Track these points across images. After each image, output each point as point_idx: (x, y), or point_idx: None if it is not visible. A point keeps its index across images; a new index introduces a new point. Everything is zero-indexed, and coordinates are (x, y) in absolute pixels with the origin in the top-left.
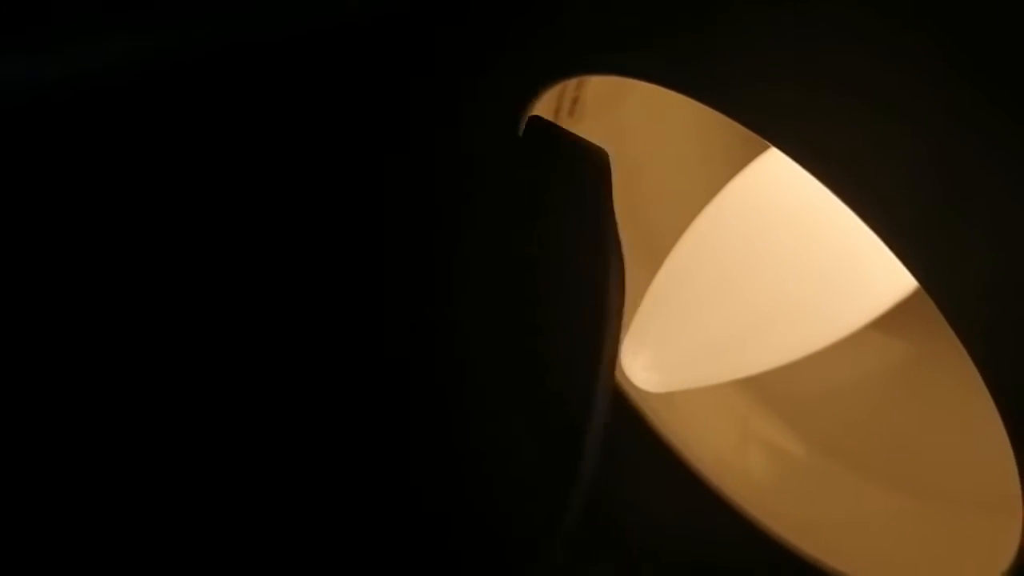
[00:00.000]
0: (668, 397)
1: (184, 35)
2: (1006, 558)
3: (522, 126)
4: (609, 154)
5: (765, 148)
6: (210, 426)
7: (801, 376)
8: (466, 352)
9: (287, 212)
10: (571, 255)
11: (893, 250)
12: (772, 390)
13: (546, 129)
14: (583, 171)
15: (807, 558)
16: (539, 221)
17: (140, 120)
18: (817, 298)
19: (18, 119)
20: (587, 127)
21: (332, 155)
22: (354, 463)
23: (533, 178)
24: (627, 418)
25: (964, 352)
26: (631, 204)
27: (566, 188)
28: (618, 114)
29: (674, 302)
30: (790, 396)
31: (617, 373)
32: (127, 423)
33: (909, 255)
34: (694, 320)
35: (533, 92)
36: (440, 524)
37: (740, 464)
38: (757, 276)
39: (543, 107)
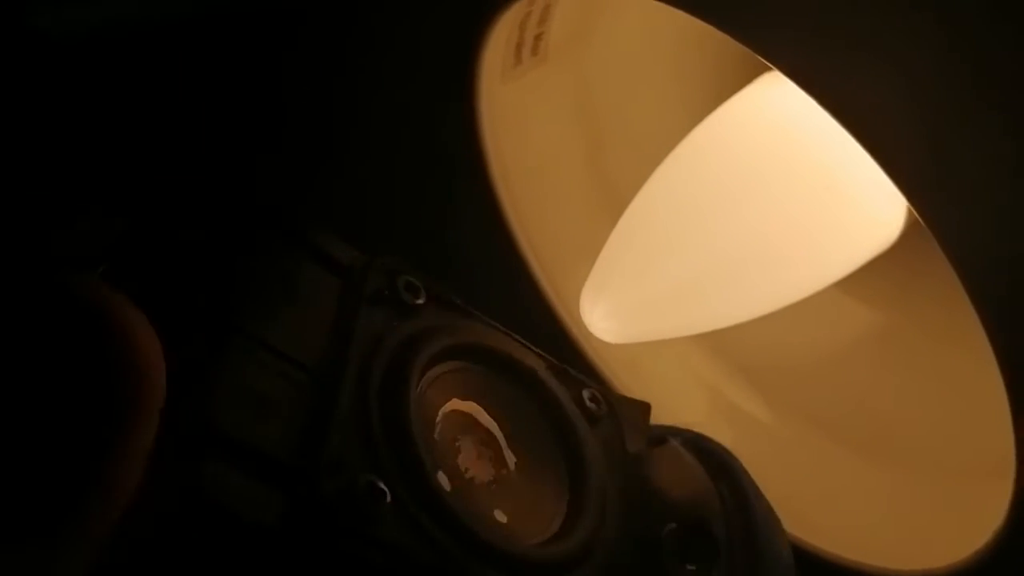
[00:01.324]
0: (633, 363)
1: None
2: (992, 525)
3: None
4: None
5: (724, 94)
6: None
7: (775, 343)
8: None
9: None
10: None
11: (891, 174)
12: (743, 358)
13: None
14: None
15: None
16: None
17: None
18: (790, 246)
19: None
20: (551, 68)
21: None
22: None
23: None
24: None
25: (944, 319)
26: (594, 151)
27: None
28: (583, 55)
29: (636, 247)
30: (763, 365)
31: (576, 329)
32: None
33: (908, 180)
34: (657, 265)
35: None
36: None
37: (709, 435)
38: (726, 220)
39: (502, 42)
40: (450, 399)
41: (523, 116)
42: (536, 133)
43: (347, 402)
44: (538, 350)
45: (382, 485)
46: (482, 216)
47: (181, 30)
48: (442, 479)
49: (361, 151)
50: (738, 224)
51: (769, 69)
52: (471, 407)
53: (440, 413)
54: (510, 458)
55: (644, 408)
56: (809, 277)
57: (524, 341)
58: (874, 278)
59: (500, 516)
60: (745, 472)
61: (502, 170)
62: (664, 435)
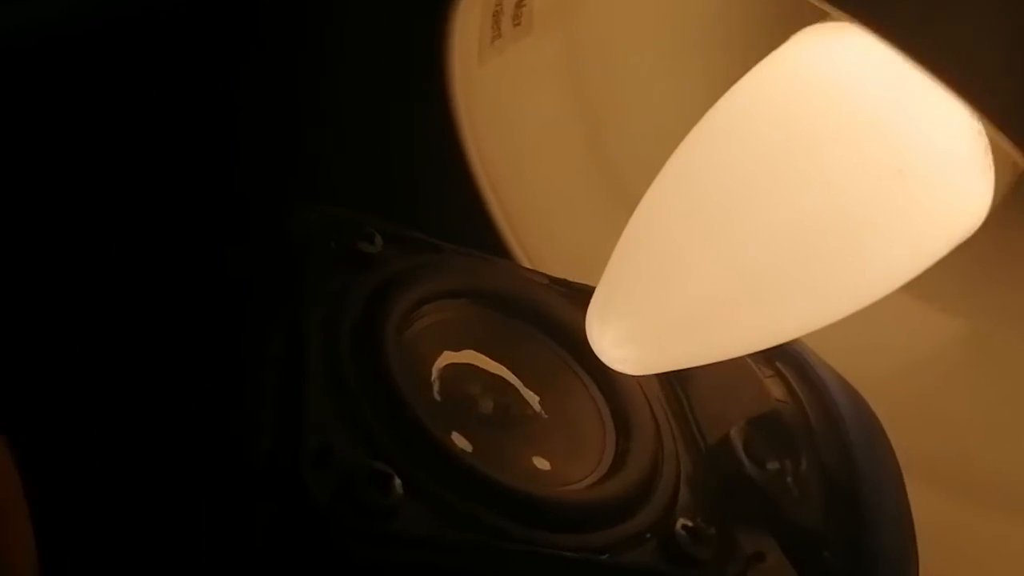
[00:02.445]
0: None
1: None
2: None
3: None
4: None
5: (753, 60)
6: None
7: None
8: None
9: None
10: None
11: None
12: None
13: None
14: None
15: None
16: None
17: None
18: (852, 245)
19: None
20: (536, 39)
21: None
22: None
23: None
24: None
25: None
26: (592, 138)
27: None
28: (571, 23)
29: (651, 256)
30: None
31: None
32: None
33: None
34: (682, 275)
35: None
36: None
37: None
38: (770, 215)
39: (476, 14)
40: (441, 352)
41: (507, 98)
42: (522, 116)
43: (318, 380)
44: (529, 268)
45: (385, 467)
46: (466, 216)
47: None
48: (458, 440)
49: (332, 144)
50: (785, 220)
51: (805, 25)
52: (469, 356)
53: (434, 370)
54: (532, 398)
55: None
56: (875, 282)
57: (511, 262)
58: (951, 279)
59: (541, 463)
60: (811, 353)
61: (486, 165)
62: None
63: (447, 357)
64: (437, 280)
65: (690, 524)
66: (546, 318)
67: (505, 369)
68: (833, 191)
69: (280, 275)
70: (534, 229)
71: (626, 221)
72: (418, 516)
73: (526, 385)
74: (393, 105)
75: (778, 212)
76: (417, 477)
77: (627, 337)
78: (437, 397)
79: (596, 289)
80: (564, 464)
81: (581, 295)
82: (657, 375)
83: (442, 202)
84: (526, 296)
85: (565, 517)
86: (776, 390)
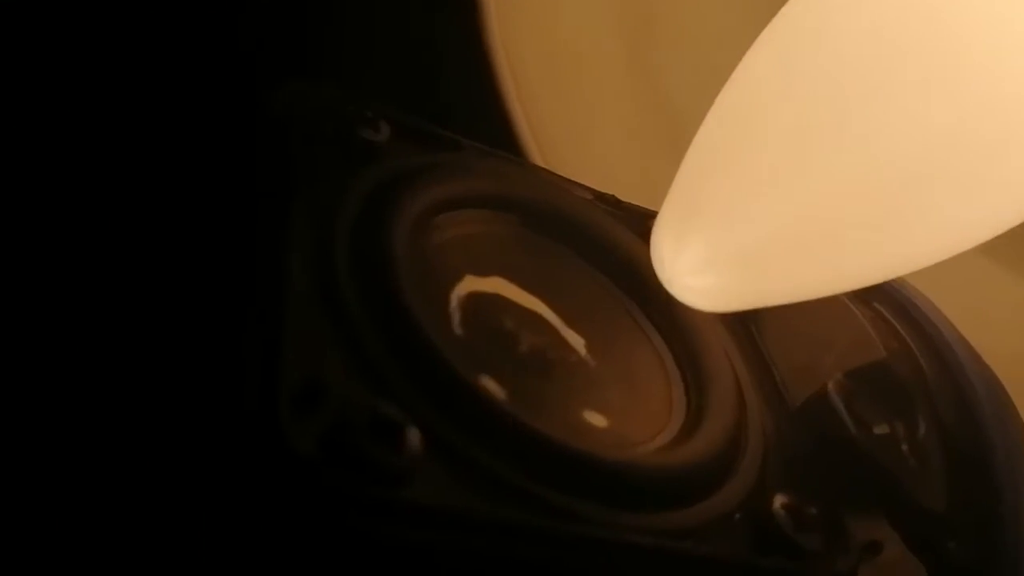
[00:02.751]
0: None
1: None
2: None
3: None
4: None
5: None
6: None
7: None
8: None
9: None
10: None
11: None
12: None
13: None
14: None
15: None
16: None
17: None
18: (968, 170)
19: None
20: None
21: None
22: None
23: None
24: None
25: None
26: (635, 48)
27: None
28: None
29: (743, 166)
30: None
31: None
32: None
33: None
34: (777, 194)
35: None
36: None
37: None
38: (878, 129)
39: None
40: (462, 276)
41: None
42: (560, 19)
43: (303, 296)
44: (572, 180)
45: (395, 412)
46: (483, 120)
47: None
48: (489, 386)
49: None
50: (906, 132)
51: None
52: (496, 284)
53: (453, 299)
54: (576, 340)
55: None
56: (1002, 210)
57: (545, 169)
58: None
59: (595, 419)
60: (915, 291)
61: (515, 65)
62: None
63: (470, 283)
64: (457, 182)
65: (790, 503)
66: (593, 240)
67: (541, 303)
68: (966, 101)
69: (258, 164)
70: (562, 140)
71: (668, 139)
72: (439, 481)
73: (568, 324)
74: None
75: (899, 122)
76: (438, 428)
77: (709, 261)
78: (458, 330)
79: (665, 203)
80: (623, 421)
81: (633, 217)
82: (722, 315)
83: (459, 101)
84: (567, 212)
85: (636, 489)
86: (880, 335)
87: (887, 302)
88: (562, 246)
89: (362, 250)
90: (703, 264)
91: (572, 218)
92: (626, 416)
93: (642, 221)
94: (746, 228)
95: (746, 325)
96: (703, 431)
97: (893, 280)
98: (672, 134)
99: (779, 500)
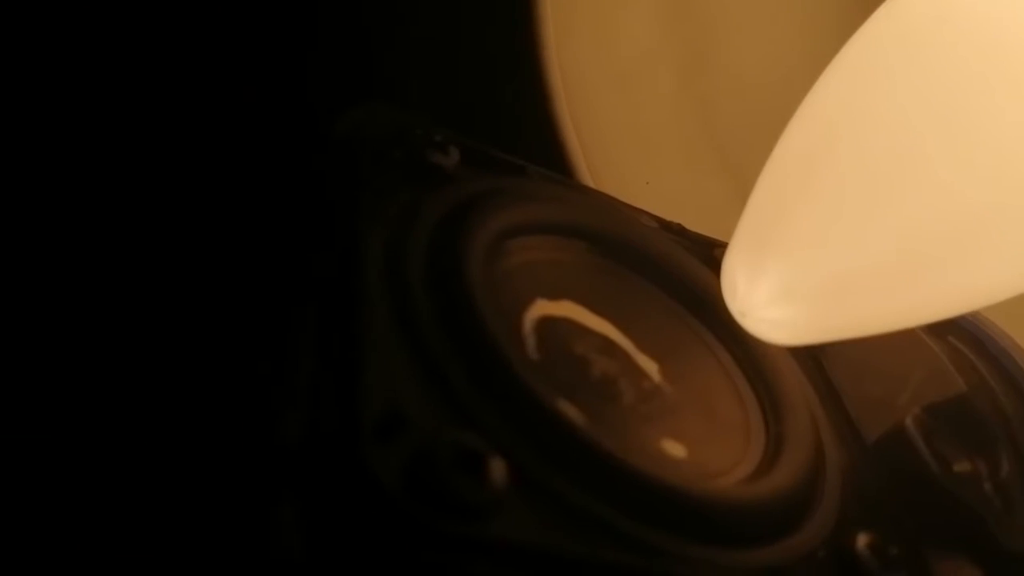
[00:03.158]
0: None
1: None
2: None
3: None
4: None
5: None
6: None
7: None
8: None
9: None
10: None
11: None
12: None
13: None
14: None
15: None
16: None
17: None
18: None
19: None
20: None
21: None
22: None
23: None
24: None
25: None
26: (688, 71)
27: None
28: None
29: (820, 198)
30: None
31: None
32: None
33: None
34: (856, 227)
35: None
36: None
37: None
38: (961, 161)
39: None
40: (533, 300)
41: (603, 16)
42: (615, 40)
43: (381, 321)
44: (636, 207)
45: (480, 443)
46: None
47: None
48: (567, 410)
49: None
50: (988, 165)
51: None
52: (567, 308)
53: (526, 322)
54: (649, 366)
55: None
56: None
57: (610, 196)
58: None
59: (674, 448)
60: (989, 323)
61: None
62: None
63: (541, 307)
64: (525, 208)
65: (874, 541)
66: (661, 268)
67: (612, 327)
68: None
69: (326, 189)
70: (613, 165)
71: (718, 165)
72: (523, 515)
73: (639, 349)
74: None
75: (977, 155)
76: (523, 458)
77: (786, 293)
78: (534, 355)
79: (736, 234)
80: (702, 450)
81: (699, 245)
82: (791, 348)
83: (514, 124)
84: (635, 239)
85: (724, 523)
86: (958, 370)
87: (962, 336)
88: (630, 273)
89: (438, 276)
90: (780, 296)
91: (640, 245)
92: (704, 445)
93: (708, 250)
94: (826, 260)
95: (815, 358)
96: (784, 462)
97: (968, 313)
98: (720, 163)
99: (863, 539)
